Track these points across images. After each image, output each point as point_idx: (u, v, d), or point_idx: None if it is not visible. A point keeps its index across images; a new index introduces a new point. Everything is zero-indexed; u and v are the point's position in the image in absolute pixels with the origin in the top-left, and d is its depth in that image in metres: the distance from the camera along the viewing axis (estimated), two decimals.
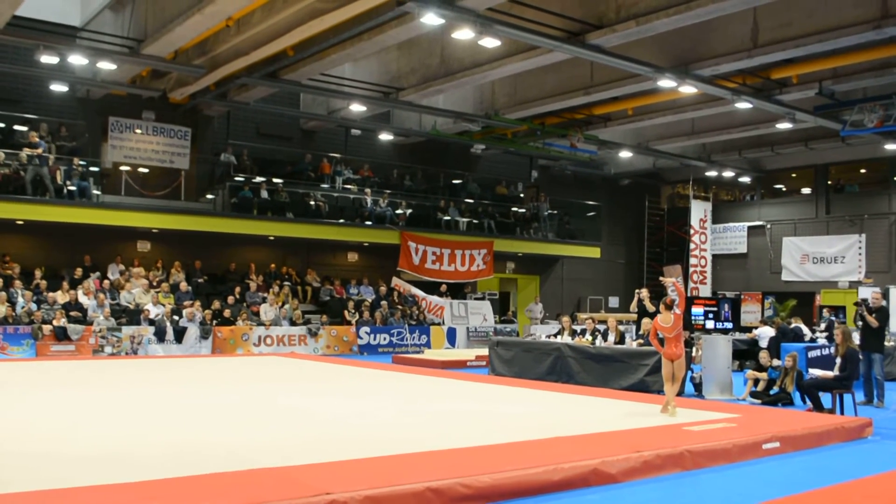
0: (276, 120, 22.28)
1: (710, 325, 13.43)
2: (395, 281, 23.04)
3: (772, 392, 11.38)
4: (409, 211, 23.16)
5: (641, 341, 12.60)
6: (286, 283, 21.03)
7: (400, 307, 21.76)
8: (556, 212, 26.50)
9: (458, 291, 23.82)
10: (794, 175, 28.64)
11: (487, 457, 6.21)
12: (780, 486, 6.18)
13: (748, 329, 17.03)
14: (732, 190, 30.47)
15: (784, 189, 29.23)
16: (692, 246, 28.15)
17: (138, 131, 19.93)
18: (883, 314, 11.94)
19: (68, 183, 18.06)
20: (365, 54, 17.22)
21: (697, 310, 13.55)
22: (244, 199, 20.37)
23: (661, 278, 13.08)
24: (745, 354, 15.37)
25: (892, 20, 13.12)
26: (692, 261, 28.09)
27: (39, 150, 17.58)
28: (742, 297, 25.94)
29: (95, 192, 18.68)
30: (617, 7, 13.67)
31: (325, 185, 22.28)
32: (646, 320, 12.45)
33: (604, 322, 14.65)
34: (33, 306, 16.51)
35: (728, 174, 27.17)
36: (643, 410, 9.24)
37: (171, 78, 18.13)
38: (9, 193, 17.18)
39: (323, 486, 5.06)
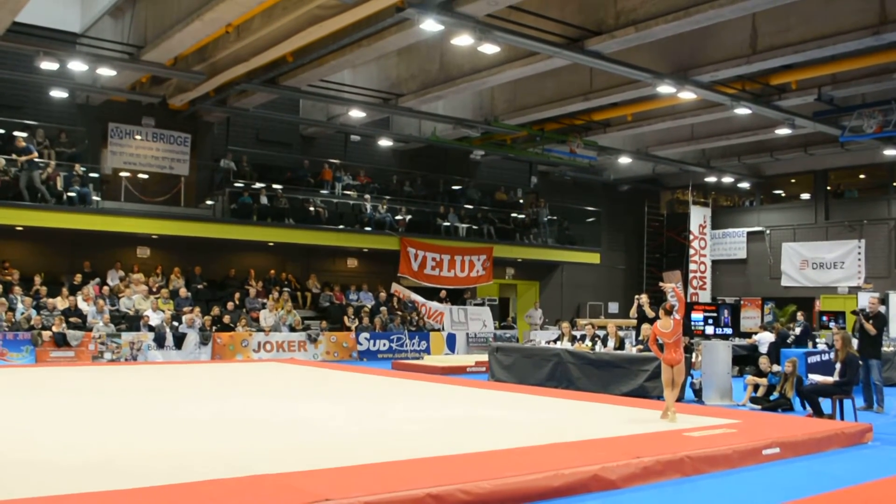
0: (276, 126, 22.31)
1: (709, 330, 13.40)
2: (395, 287, 23.03)
3: (772, 398, 11.38)
4: (408, 217, 23.15)
5: (641, 347, 12.60)
6: (286, 289, 21.03)
7: (399, 313, 21.74)
8: (555, 217, 26.50)
9: (457, 297, 23.80)
10: (793, 181, 28.65)
11: (488, 463, 6.20)
12: (780, 491, 6.17)
13: (748, 335, 17.00)
14: (732, 195, 30.48)
15: (783, 195, 29.24)
16: (692, 251, 28.15)
17: (138, 137, 19.97)
18: (880, 320, 11.92)
19: (68, 189, 18.06)
20: (364, 60, 17.24)
21: (697, 315, 13.52)
22: (244, 205, 20.37)
23: (660, 284, 13.11)
24: (744, 360, 15.34)
25: (891, 26, 13.15)
26: (692, 266, 28.09)
27: (34, 155, 17.51)
28: (742, 302, 25.86)
29: (95, 198, 18.68)
30: (616, 13, 13.69)
31: (324, 191, 22.27)
32: (645, 326, 12.45)
33: (603, 328, 14.64)
34: (33, 312, 16.49)
35: (727, 180, 27.21)
36: (643, 416, 9.23)
37: (171, 84, 18.16)
38: (8, 200, 17.18)
39: (322, 492, 5.05)
